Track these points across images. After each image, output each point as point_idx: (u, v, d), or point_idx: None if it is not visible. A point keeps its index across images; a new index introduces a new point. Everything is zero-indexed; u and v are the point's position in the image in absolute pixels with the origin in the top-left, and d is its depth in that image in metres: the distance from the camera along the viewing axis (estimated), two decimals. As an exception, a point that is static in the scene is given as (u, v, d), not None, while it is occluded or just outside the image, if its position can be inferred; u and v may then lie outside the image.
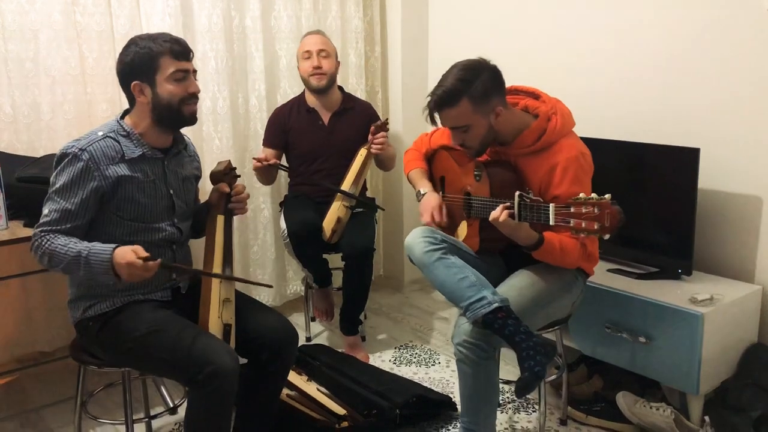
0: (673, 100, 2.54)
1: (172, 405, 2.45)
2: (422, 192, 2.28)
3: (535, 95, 2.09)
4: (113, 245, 1.73)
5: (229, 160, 2.11)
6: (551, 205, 1.70)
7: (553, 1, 2.93)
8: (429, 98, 1.98)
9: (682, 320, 2.15)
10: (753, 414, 2.17)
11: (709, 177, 2.39)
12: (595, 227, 1.61)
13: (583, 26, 2.82)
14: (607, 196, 1.62)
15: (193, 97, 1.91)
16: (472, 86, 1.91)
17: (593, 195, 1.64)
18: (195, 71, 1.93)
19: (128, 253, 1.70)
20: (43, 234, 1.77)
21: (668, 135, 2.48)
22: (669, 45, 2.53)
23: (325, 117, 3.00)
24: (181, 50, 1.86)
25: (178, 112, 1.88)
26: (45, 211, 1.80)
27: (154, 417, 2.37)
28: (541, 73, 2.90)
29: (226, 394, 1.72)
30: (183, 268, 1.94)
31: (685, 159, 2.29)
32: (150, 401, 2.44)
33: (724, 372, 2.27)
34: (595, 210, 1.61)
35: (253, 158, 2.93)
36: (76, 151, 1.79)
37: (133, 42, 1.87)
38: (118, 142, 1.85)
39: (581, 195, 1.65)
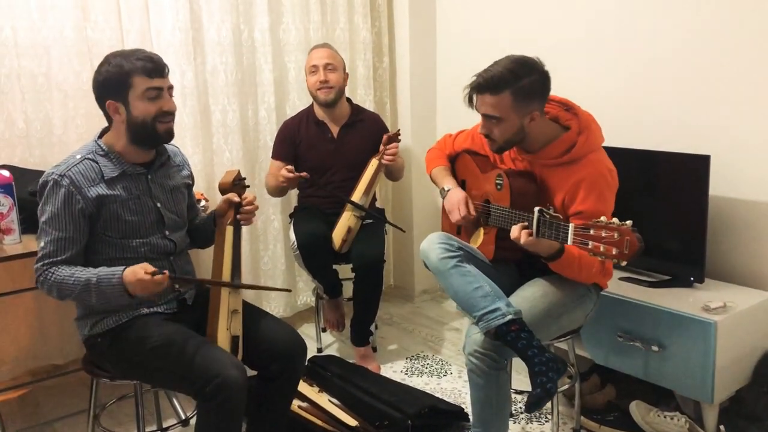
0: (684, 107, 2.53)
1: (184, 417, 2.46)
2: (446, 189, 2.24)
3: (567, 106, 2.07)
4: (121, 268, 1.75)
5: (238, 170, 2.11)
6: (571, 225, 1.67)
7: (562, 11, 2.93)
8: (474, 78, 1.94)
9: (695, 328, 2.14)
10: (769, 423, 2.15)
11: (720, 184, 2.38)
12: (614, 252, 1.57)
13: (593, 35, 2.82)
14: (628, 222, 1.58)
15: (168, 114, 1.87)
16: (520, 82, 1.88)
17: (614, 220, 1.60)
18: (171, 87, 1.90)
19: (138, 271, 1.72)
20: (45, 268, 1.79)
21: (679, 142, 2.47)
22: (680, 52, 2.52)
23: (334, 129, 3.01)
24: (153, 67, 1.82)
25: (153, 130, 1.86)
26: (41, 244, 1.81)
27: (167, 429, 2.36)
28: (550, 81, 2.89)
29: (234, 407, 1.72)
30: (190, 280, 1.95)
31: (696, 166, 2.28)
32: (162, 413, 2.44)
33: (739, 380, 2.25)
34: (615, 236, 1.57)
35: (285, 169, 2.81)
36: (56, 177, 1.80)
37: (106, 60, 1.84)
38: (97, 163, 1.85)
39: (602, 218, 1.62)
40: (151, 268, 1.73)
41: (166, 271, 1.74)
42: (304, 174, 2.84)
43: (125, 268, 1.75)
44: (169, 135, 1.91)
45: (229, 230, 2.01)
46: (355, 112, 3.06)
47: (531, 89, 1.90)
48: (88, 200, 1.81)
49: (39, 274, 1.80)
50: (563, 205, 1.95)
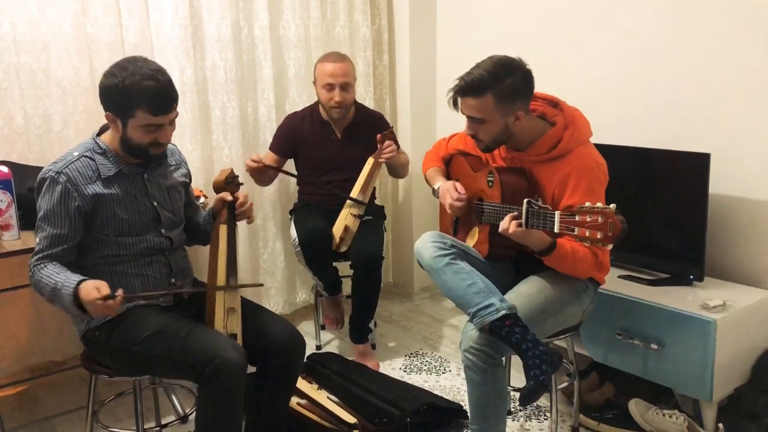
0: (684, 105, 2.53)
1: (182, 414, 2.46)
2: (437, 187, 2.27)
3: (553, 103, 2.08)
4: (78, 279, 1.72)
5: (231, 169, 2.11)
6: (557, 213, 1.70)
7: (561, 8, 2.93)
8: (456, 81, 1.96)
9: (695, 327, 2.14)
10: (767, 421, 2.15)
11: (720, 182, 2.38)
12: (598, 236, 1.60)
13: (592, 32, 2.82)
14: (612, 205, 1.61)
15: (163, 144, 1.88)
16: (502, 83, 1.90)
17: (598, 204, 1.64)
18: (175, 116, 1.86)
19: (91, 291, 1.68)
20: (35, 263, 1.80)
21: (679, 140, 2.47)
22: (679, 50, 2.52)
23: (339, 130, 3.00)
24: (159, 106, 1.78)
25: (145, 154, 1.87)
26: (36, 239, 1.82)
27: (165, 426, 2.37)
28: (549, 80, 2.87)
29: (234, 389, 1.72)
30: (147, 295, 1.89)
31: (696, 164, 2.28)
32: (161, 410, 2.44)
33: (738, 379, 2.25)
34: (599, 219, 1.60)
35: (251, 159, 2.84)
36: (53, 174, 1.80)
37: (120, 69, 1.77)
38: (94, 161, 1.86)
39: (587, 203, 1.65)
40: (105, 290, 1.68)
41: (119, 295, 1.69)
42: (268, 163, 2.88)
43: (82, 281, 1.72)
44: (160, 157, 1.95)
45: (223, 229, 2.01)
46: (359, 113, 3.04)
47: (513, 90, 1.92)
48: (86, 198, 1.81)
49: (30, 270, 1.81)
50: (553, 200, 1.96)
